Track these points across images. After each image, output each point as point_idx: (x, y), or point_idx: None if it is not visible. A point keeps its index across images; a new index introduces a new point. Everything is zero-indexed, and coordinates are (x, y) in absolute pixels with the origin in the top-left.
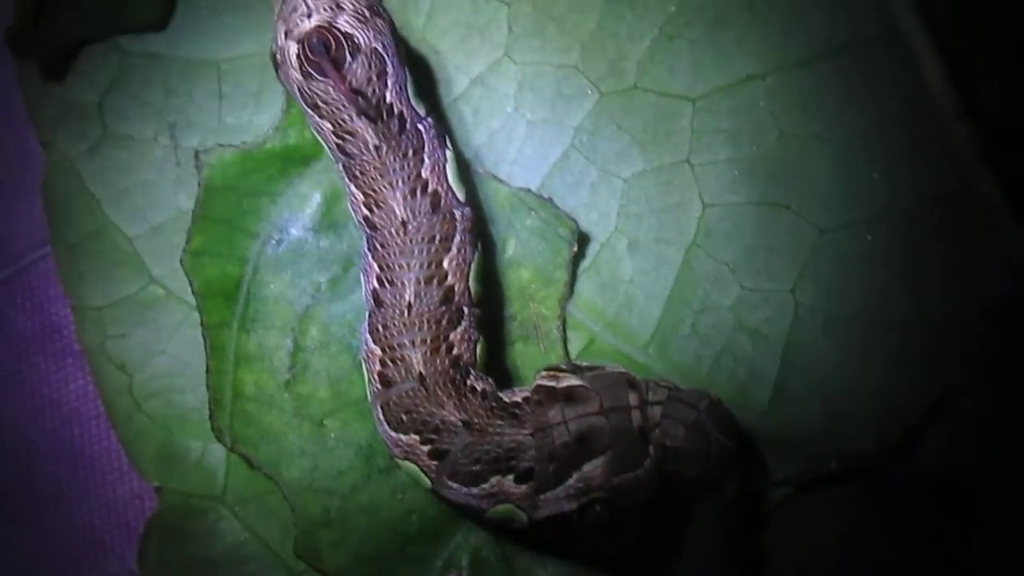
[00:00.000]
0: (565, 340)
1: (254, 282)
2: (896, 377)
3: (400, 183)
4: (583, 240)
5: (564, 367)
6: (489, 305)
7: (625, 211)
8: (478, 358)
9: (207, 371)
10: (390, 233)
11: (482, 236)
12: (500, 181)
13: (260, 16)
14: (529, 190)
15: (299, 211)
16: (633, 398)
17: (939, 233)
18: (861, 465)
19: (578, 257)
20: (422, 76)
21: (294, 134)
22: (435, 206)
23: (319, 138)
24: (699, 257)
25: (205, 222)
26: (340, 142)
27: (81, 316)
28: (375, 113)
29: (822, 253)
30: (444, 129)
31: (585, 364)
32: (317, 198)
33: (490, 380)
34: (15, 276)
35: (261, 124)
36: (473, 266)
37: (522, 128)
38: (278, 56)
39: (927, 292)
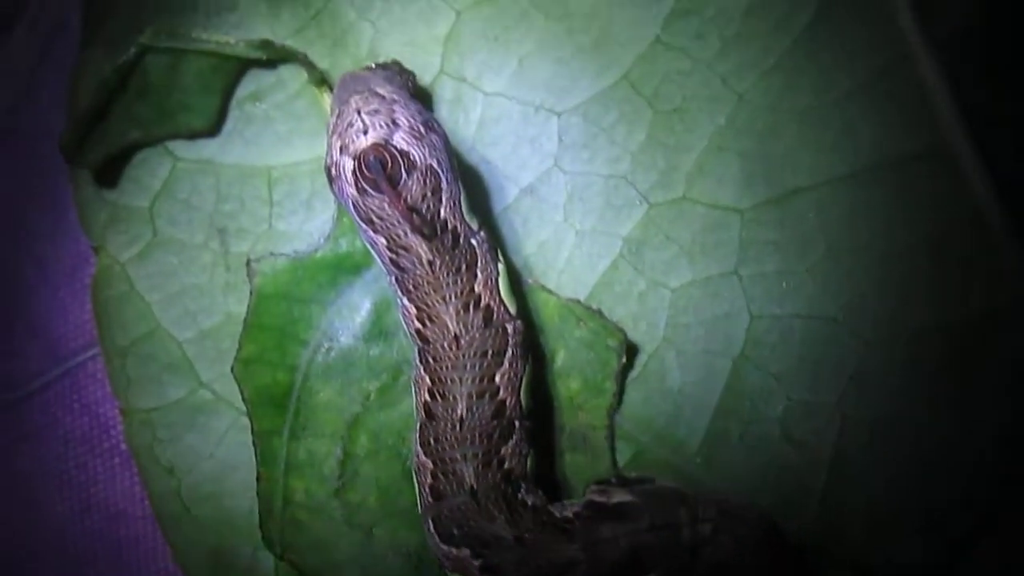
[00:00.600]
0: (613, 450)
1: (304, 390)
2: (944, 491)
3: (453, 298)
4: (631, 351)
5: (614, 481)
6: (538, 416)
7: (673, 321)
8: (529, 471)
9: (257, 479)
10: (443, 347)
11: (532, 348)
12: (549, 291)
13: (312, 124)
14: (578, 301)
15: (349, 319)
16: (684, 514)
17: (988, 349)
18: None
19: (626, 368)
20: (472, 186)
21: (345, 242)
22: (488, 321)
23: (372, 251)
24: (747, 368)
25: (256, 330)
26: (394, 256)
27: (130, 418)
28: (430, 230)
29: (869, 365)
30: (495, 241)
31: (634, 476)
32: (367, 306)
33: (540, 493)
34: (65, 376)
35: (311, 231)
36: (524, 380)
37: (571, 238)
38: (332, 171)
39: (975, 407)
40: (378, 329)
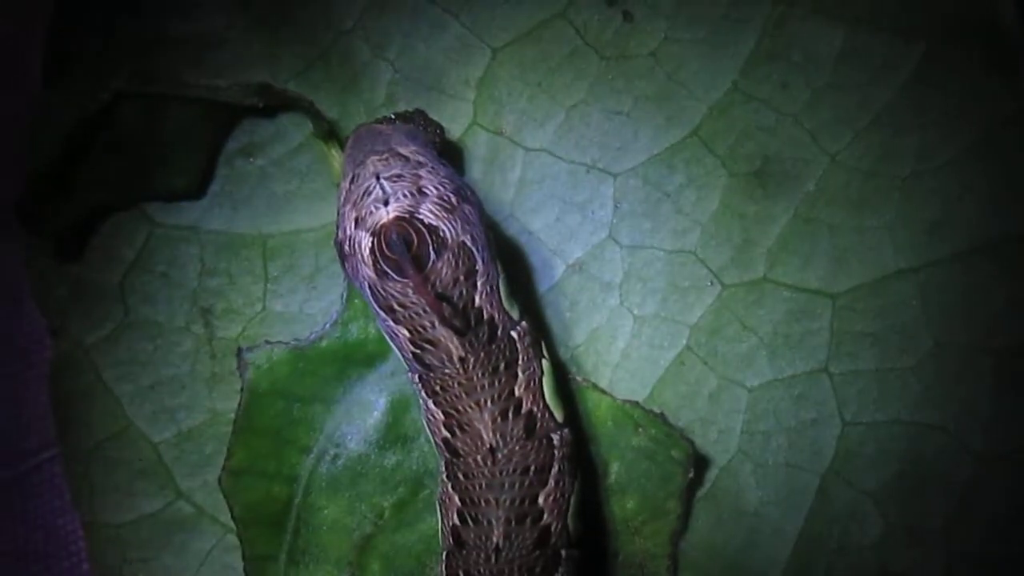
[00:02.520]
0: None
1: (305, 506)
2: None
3: (489, 403)
4: (700, 464)
5: None
6: (588, 543)
7: (750, 428)
8: None
9: None
10: (475, 461)
11: (582, 461)
12: (602, 391)
13: (317, 185)
14: (636, 403)
15: (360, 421)
16: None
17: None
18: None
19: (694, 484)
20: (511, 263)
21: (356, 328)
22: (530, 430)
23: (391, 344)
24: (837, 486)
25: (248, 434)
26: (418, 352)
27: (95, 535)
28: (462, 322)
29: (982, 487)
30: (539, 333)
31: None
32: (382, 406)
33: None
34: (15, 482)
35: (315, 314)
36: (573, 501)
37: (628, 325)
38: (346, 247)
39: None
40: (395, 434)
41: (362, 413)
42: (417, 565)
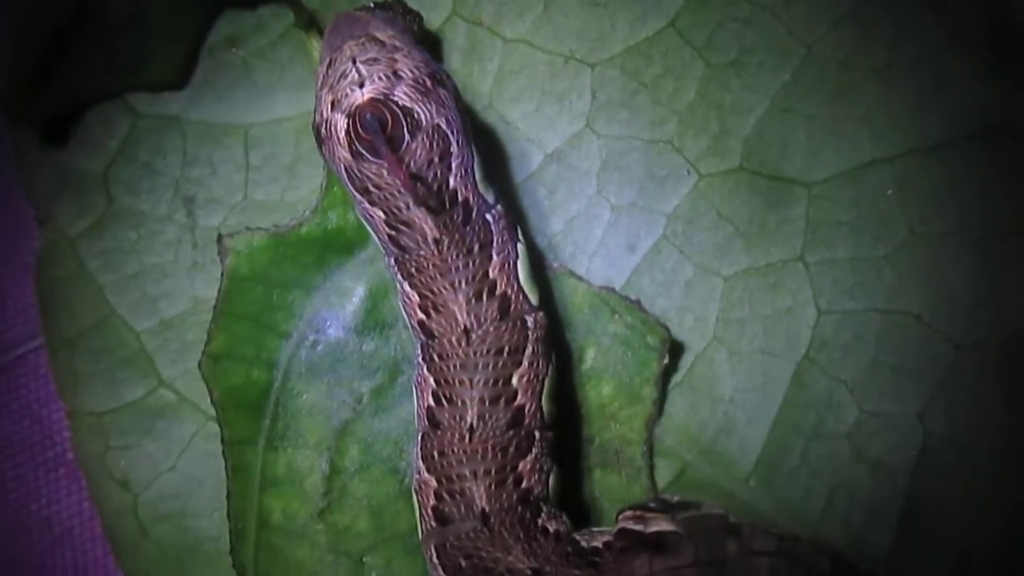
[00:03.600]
0: (652, 469)
1: (284, 391)
2: None
3: (463, 284)
4: (675, 350)
5: (652, 505)
6: (563, 426)
7: (726, 316)
8: (550, 491)
9: (228, 496)
10: (450, 342)
11: (557, 344)
12: (578, 278)
13: (298, 75)
14: (613, 289)
15: (339, 308)
16: (733, 547)
17: None
18: None
19: (669, 370)
20: (489, 152)
21: (335, 216)
22: (504, 311)
23: (368, 227)
24: (812, 373)
25: (228, 319)
26: (393, 233)
27: (78, 423)
28: (436, 202)
29: (958, 373)
30: (515, 218)
31: (676, 500)
32: (360, 293)
33: (564, 518)
34: (1, 372)
35: (295, 202)
36: (547, 382)
37: (606, 214)
38: (323, 130)
39: None
40: (373, 320)
41: (341, 299)
42: (395, 450)
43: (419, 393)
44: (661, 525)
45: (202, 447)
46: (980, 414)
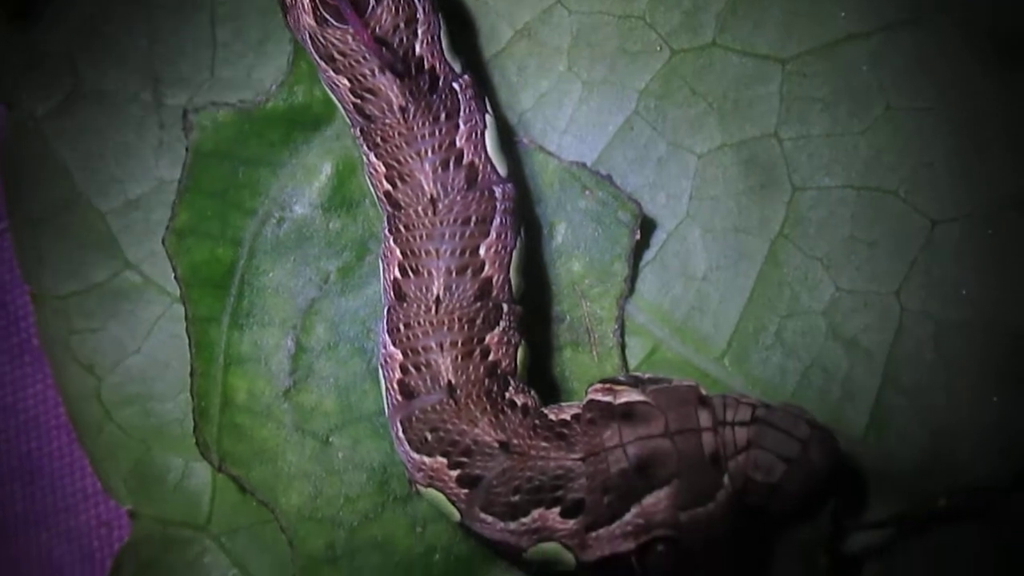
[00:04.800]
0: (623, 347)
1: (250, 269)
2: (1018, 399)
3: (430, 153)
4: (647, 227)
5: (622, 379)
6: (533, 303)
7: (699, 193)
8: (519, 365)
9: (191, 374)
10: (416, 212)
11: (526, 219)
12: (549, 154)
13: None
14: (583, 165)
15: (305, 185)
16: (705, 418)
17: None
18: (976, 504)
19: (641, 247)
20: (458, 24)
21: (302, 92)
22: (471, 181)
23: (333, 97)
24: (787, 250)
25: (193, 195)
26: (358, 102)
27: (42, 306)
28: (402, 68)
29: (935, 249)
30: (483, 89)
31: (647, 376)
32: (327, 170)
33: (533, 393)
34: None
35: (263, 79)
36: (515, 255)
37: (576, 90)
38: None
39: None
40: (340, 197)
41: (308, 177)
42: (362, 329)
43: (385, 266)
44: (631, 396)
45: (168, 329)
46: (957, 290)
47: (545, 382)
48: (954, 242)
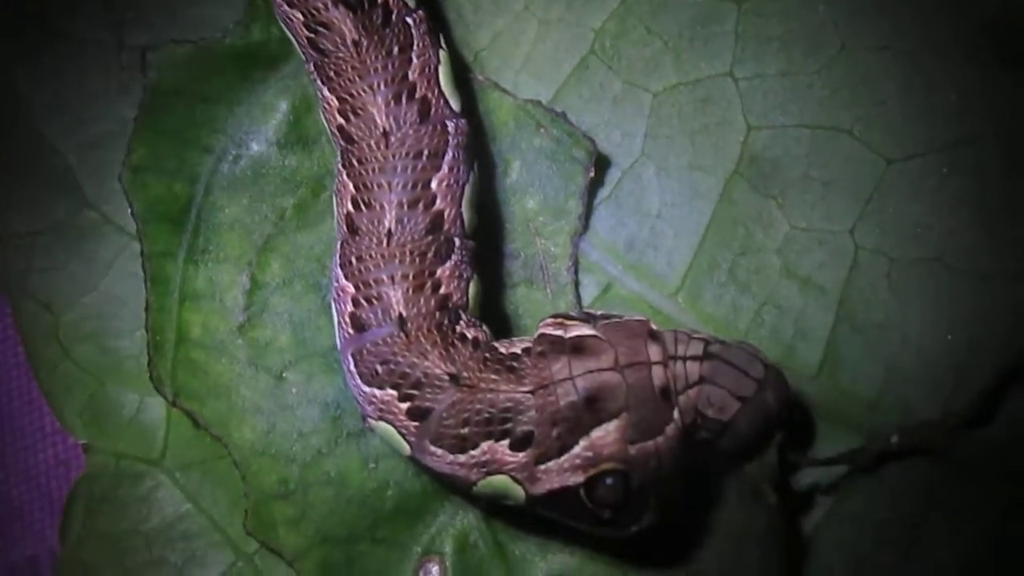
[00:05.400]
0: (577, 284)
1: (206, 205)
2: (971, 336)
3: (382, 86)
4: (602, 164)
5: (574, 315)
6: (487, 240)
7: (654, 132)
8: (471, 300)
9: (146, 309)
10: (369, 146)
11: (481, 156)
12: (504, 91)
13: None
14: (539, 103)
15: (262, 122)
16: (655, 352)
17: None
18: (927, 440)
19: (595, 185)
20: None
21: (259, 30)
22: (423, 115)
23: (288, 32)
24: (741, 189)
25: (150, 133)
26: (312, 36)
27: (3, 245)
28: (355, 1)
29: (889, 187)
30: (437, 25)
31: (600, 313)
32: (284, 107)
33: (484, 327)
34: None
35: (222, 18)
36: (468, 189)
37: (533, 29)
38: None
39: (1011, 236)
40: (296, 134)
41: (264, 114)
42: (317, 266)
43: (338, 200)
44: (581, 330)
45: (127, 267)
46: (912, 228)
47: (499, 318)
48: (908, 180)
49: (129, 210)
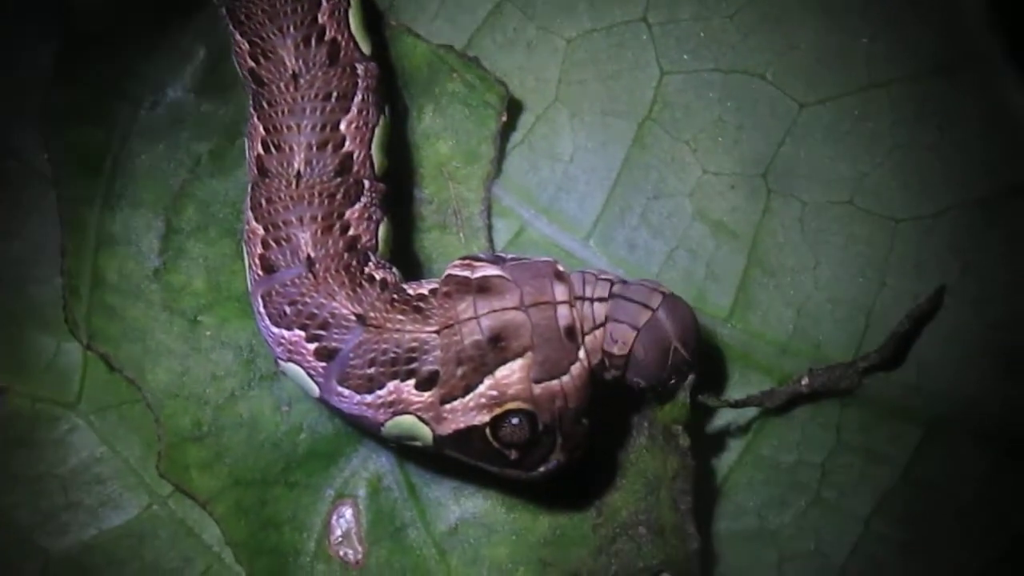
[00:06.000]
0: (490, 228)
1: (122, 151)
2: (882, 279)
3: (291, 29)
4: (515, 109)
5: (482, 256)
6: (399, 184)
7: (567, 77)
8: (380, 242)
9: (63, 254)
10: (279, 88)
11: (394, 101)
12: (418, 37)
13: None
14: (452, 48)
15: (179, 69)
16: (561, 291)
17: (939, 109)
18: (838, 383)
19: (508, 129)
20: None
21: None
22: (333, 57)
23: None
24: (654, 133)
25: (68, 79)
26: None
27: None
28: None
29: (802, 131)
30: None
31: (510, 256)
32: (201, 54)
33: (394, 270)
34: None
35: None
36: (378, 132)
37: None
38: None
39: (921, 180)
40: (213, 81)
41: (182, 60)
42: (232, 211)
43: (250, 143)
44: (488, 271)
45: (46, 214)
46: (824, 171)
47: (412, 263)
48: (821, 124)
49: (46, 156)
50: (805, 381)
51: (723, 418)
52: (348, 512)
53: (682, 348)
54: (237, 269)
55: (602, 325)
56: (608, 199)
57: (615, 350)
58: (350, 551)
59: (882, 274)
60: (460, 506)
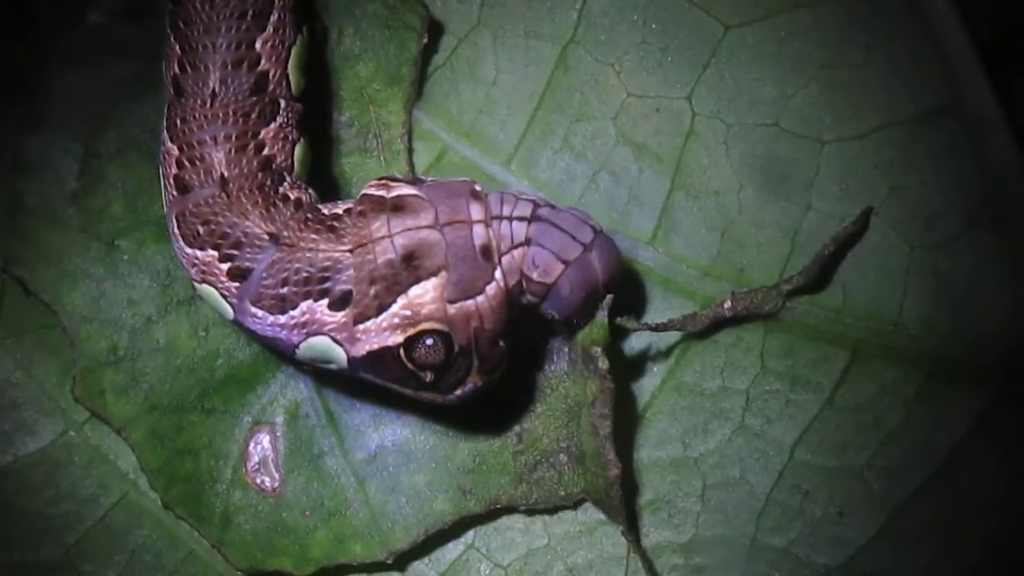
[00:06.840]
0: (410, 151)
1: (40, 75)
2: (807, 201)
3: None
4: (436, 31)
5: (400, 177)
6: (320, 107)
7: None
8: (296, 163)
9: None
10: (195, 7)
11: (312, 21)
12: None
13: None
14: None
15: None
16: (477, 211)
17: (866, 28)
18: (761, 306)
19: (429, 52)
20: None
21: None
22: None
23: None
24: (577, 55)
25: None
26: None
27: None
28: None
29: (727, 53)
30: None
31: (430, 179)
32: None
33: (310, 190)
34: None
35: None
36: (295, 51)
37: None
38: None
39: (848, 101)
40: (133, 3)
41: None
42: (152, 135)
43: (166, 64)
44: (403, 190)
45: None
46: (749, 94)
47: (331, 186)
48: (746, 46)
49: None
50: (727, 304)
51: (644, 342)
52: (265, 439)
53: (606, 290)
54: (156, 193)
55: (522, 245)
56: (530, 122)
57: (535, 275)
58: (267, 478)
59: (808, 197)
60: (379, 433)
